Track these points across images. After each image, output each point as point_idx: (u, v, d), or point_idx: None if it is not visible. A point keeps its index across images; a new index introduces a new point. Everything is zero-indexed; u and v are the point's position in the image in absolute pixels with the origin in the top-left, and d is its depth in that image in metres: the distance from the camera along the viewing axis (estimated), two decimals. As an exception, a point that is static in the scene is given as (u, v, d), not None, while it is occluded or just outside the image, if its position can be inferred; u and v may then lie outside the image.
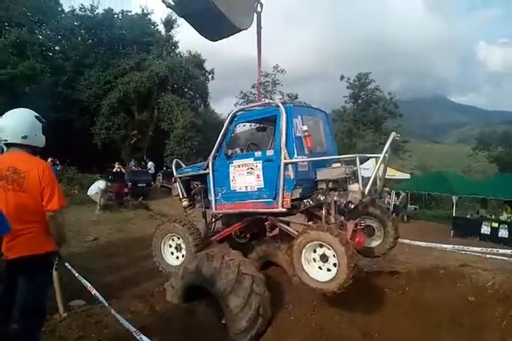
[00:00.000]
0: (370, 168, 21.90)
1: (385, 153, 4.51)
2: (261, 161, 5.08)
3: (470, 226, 16.85)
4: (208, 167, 5.66)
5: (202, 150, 23.74)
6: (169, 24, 32.92)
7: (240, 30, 5.43)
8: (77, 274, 4.77)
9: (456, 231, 16.99)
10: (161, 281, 6.11)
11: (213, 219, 6.39)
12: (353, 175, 4.61)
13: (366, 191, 4.41)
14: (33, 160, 3.31)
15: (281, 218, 5.59)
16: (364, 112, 35.99)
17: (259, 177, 5.09)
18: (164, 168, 28.30)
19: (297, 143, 4.87)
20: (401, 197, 21.12)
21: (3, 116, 3.34)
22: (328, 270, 4.31)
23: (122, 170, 18.21)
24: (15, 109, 3.42)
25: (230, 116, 5.54)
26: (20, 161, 3.23)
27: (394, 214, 20.16)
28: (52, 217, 3.25)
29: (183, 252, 5.91)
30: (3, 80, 22.86)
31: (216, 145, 5.55)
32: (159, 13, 52.96)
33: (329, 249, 4.23)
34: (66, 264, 4.94)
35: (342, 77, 37.60)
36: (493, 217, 17.11)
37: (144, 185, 21.80)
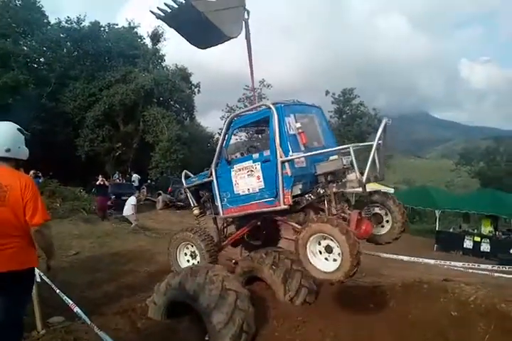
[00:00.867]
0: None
1: (378, 140, 4.55)
2: (259, 162, 5.20)
3: (453, 240, 17.06)
4: (211, 174, 5.85)
5: (187, 164, 23.64)
6: (156, 37, 33.09)
7: (229, 39, 5.52)
8: (58, 291, 4.66)
9: (439, 245, 17.17)
10: (143, 297, 6.02)
11: (225, 224, 6.51)
12: (351, 165, 4.65)
13: (364, 179, 4.48)
14: (15, 174, 3.23)
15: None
16: (348, 127, 36.31)
17: (259, 179, 5.21)
18: (149, 181, 28.10)
19: (291, 140, 4.97)
20: None
21: None
22: (334, 260, 4.36)
23: (106, 183, 18.00)
24: None
25: (227, 122, 5.72)
26: (3, 175, 3.15)
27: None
28: (38, 232, 3.16)
29: (198, 259, 6.02)
30: (-14, 91, 22.63)
31: (216, 153, 5.74)
32: (146, 27, 53.24)
33: (331, 239, 4.31)
34: (45, 279, 4.83)
35: (327, 92, 37.99)
36: (475, 231, 17.34)
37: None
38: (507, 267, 9.03)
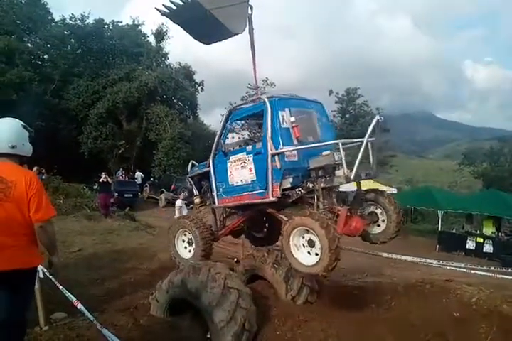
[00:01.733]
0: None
1: (368, 136, 4.60)
2: (252, 155, 5.27)
3: (455, 241, 17.01)
4: (209, 165, 5.98)
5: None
6: (160, 35, 33.04)
7: (234, 35, 5.54)
8: (61, 287, 4.68)
9: (441, 245, 17.12)
10: (146, 294, 6.03)
11: (224, 215, 6.54)
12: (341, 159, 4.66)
13: (352, 175, 4.51)
14: (20, 170, 3.23)
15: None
16: (352, 126, 36.24)
17: (251, 170, 5.28)
18: (151, 179, 28.11)
19: (283, 134, 4.99)
20: None
21: None
22: (316, 254, 4.40)
23: (109, 180, 18.02)
24: (1, 119, 3.36)
25: (226, 114, 5.83)
26: (7, 171, 3.15)
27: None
28: (42, 228, 3.15)
29: (194, 246, 6.10)
30: (-10, 87, 22.71)
31: (214, 144, 5.87)
32: (150, 25, 53.17)
33: (313, 233, 4.36)
34: (49, 276, 4.84)
35: (331, 92, 37.94)
36: (478, 232, 17.29)
37: (131, 195, 21.58)
38: (510, 269, 9.03)
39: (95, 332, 4.17)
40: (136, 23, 35.15)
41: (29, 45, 30.55)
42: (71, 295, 4.47)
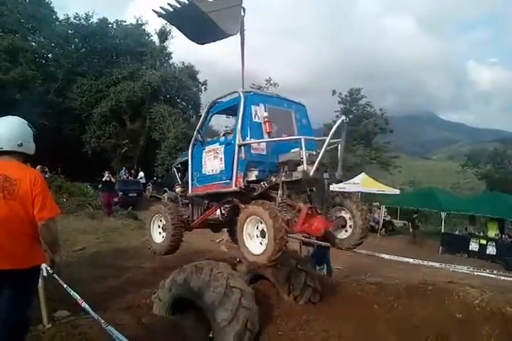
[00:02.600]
0: (360, 183, 22.15)
1: (331, 137, 4.58)
2: (223, 145, 5.41)
3: (458, 242, 16.98)
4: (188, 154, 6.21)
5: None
6: (163, 35, 33.01)
7: (228, 36, 5.69)
8: (65, 285, 4.69)
9: (444, 247, 17.08)
10: (148, 293, 6.05)
11: (204, 207, 6.56)
12: (309, 159, 4.67)
13: (311, 171, 4.54)
14: (24, 169, 3.24)
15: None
16: (355, 127, 36.19)
17: (221, 161, 5.43)
18: (155, 178, 28.13)
19: (253, 127, 5.13)
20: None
21: None
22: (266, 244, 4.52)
23: (112, 179, 18.06)
24: (7, 117, 3.35)
25: (207, 107, 6.06)
26: (11, 169, 3.15)
27: (383, 228, 20.36)
28: (45, 226, 3.16)
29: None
30: (-6, 86, 22.77)
31: (194, 134, 6.06)
32: (154, 24, 53.22)
33: (264, 223, 4.47)
34: (52, 274, 4.85)
35: (334, 92, 37.90)
36: (482, 234, 17.25)
37: (135, 194, 21.58)
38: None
39: (98, 330, 4.17)
40: (139, 22, 35.08)
41: (33, 43, 30.53)
42: (75, 294, 4.47)
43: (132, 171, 29.19)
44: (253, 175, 5.09)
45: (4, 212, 3.03)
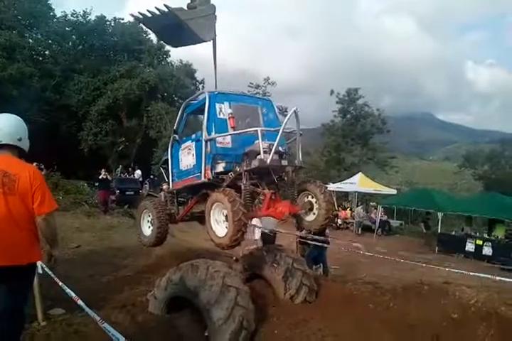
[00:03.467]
0: (356, 183, 22.17)
1: (285, 125, 5.13)
2: (194, 142, 5.85)
3: (455, 243, 17.01)
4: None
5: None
6: (161, 33, 32.93)
7: (203, 42, 6.08)
8: (61, 283, 4.66)
9: (441, 247, 17.11)
10: (144, 291, 6.02)
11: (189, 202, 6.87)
12: (269, 148, 5.08)
13: (268, 159, 4.97)
14: (22, 164, 3.27)
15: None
16: (352, 127, 36.16)
17: (193, 156, 5.87)
18: (151, 176, 28.09)
19: (218, 123, 5.54)
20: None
21: None
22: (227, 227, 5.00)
23: (108, 177, 18.01)
24: (5, 113, 3.38)
25: (182, 107, 6.49)
26: (10, 164, 3.18)
27: (380, 228, 20.39)
28: (45, 220, 3.20)
29: None
30: (-9, 82, 22.67)
31: (171, 134, 6.56)
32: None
33: (225, 207, 4.96)
34: (48, 271, 4.83)
35: (332, 92, 37.81)
36: (478, 234, 17.30)
37: (132, 193, 21.52)
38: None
39: (93, 328, 4.16)
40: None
41: (30, 40, 30.48)
42: (71, 291, 4.45)
43: (130, 169, 29.12)
44: (220, 167, 5.52)
45: (4, 208, 3.04)
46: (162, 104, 29.80)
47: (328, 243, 8.82)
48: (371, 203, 23.95)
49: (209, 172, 5.47)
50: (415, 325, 4.99)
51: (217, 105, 5.60)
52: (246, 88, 35.09)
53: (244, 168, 5.21)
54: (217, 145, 5.48)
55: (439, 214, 18.23)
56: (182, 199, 6.89)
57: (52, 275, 4.39)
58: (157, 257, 8.90)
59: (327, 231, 10.05)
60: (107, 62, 32.48)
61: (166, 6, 5.29)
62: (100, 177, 17.31)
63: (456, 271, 6.62)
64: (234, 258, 7.92)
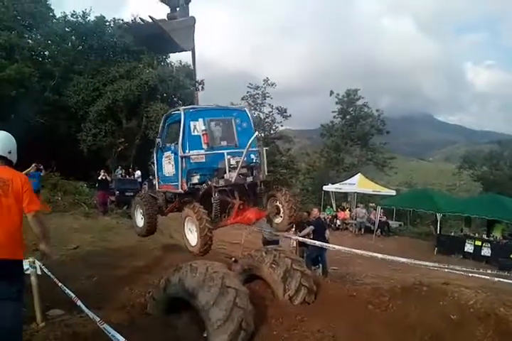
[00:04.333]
0: (356, 183, 22.18)
1: (249, 147, 5.75)
2: (174, 154, 6.40)
3: (454, 243, 17.01)
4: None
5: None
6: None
7: (183, 51, 6.70)
8: (60, 284, 4.66)
9: (440, 248, 17.12)
10: (143, 292, 6.02)
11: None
12: (237, 165, 5.92)
13: (233, 178, 5.87)
14: (13, 171, 3.70)
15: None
16: (352, 128, 36.17)
17: (173, 166, 6.46)
18: (150, 177, 27.99)
19: (192, 140, 6.14)
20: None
21: None
22: None
23: (108, 178, 17.99)
24: None
25: (163, 118, 7.06)
26: (3, 171, 3.60)
27: (379, 229, 20.34)
28: (35, 216, 3.57)
29: None
30: (-10, 83, 22.62)
31: (156, 141, 7.13)
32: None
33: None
34: (47, 272, 4.83)
35: (331, 93, 37.83)
36: (477, 235, 17.30)
37: (132, 194, 21.41)
38: (507, 272, 8.98)
39: (92, 329, 4.16)
40: (137, 20, 34.92)
41: (29, 41, 30.34)
42: (70, 292, 4.45)
43: (130, 170, 29.06)
44: (196, 179, 6.20)
45: (1, 209, 3.43)
46: (161, 105, 29.68)
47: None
48: (370, 204, 23.92)
49: (185, 184, 6.14)
50: (414, 326, 4.99)
51: (192, 123, 6.15)
52: (246, 89, 35.15)
53: (214, 184, 5.92)
54: (191, 161, 6.11)
55: (438, 215, 18.24)
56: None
57: (52, 276, 4.39)
58: (156, 258, 8.90)
59: (327, 232, 10.07)
60: (107, 62, 32.34)
61: (150, 17, 5.78)
62: (99, 178, 17.29)
63: (457, 270, 6.61)
64: (233, 259, 7.93)
